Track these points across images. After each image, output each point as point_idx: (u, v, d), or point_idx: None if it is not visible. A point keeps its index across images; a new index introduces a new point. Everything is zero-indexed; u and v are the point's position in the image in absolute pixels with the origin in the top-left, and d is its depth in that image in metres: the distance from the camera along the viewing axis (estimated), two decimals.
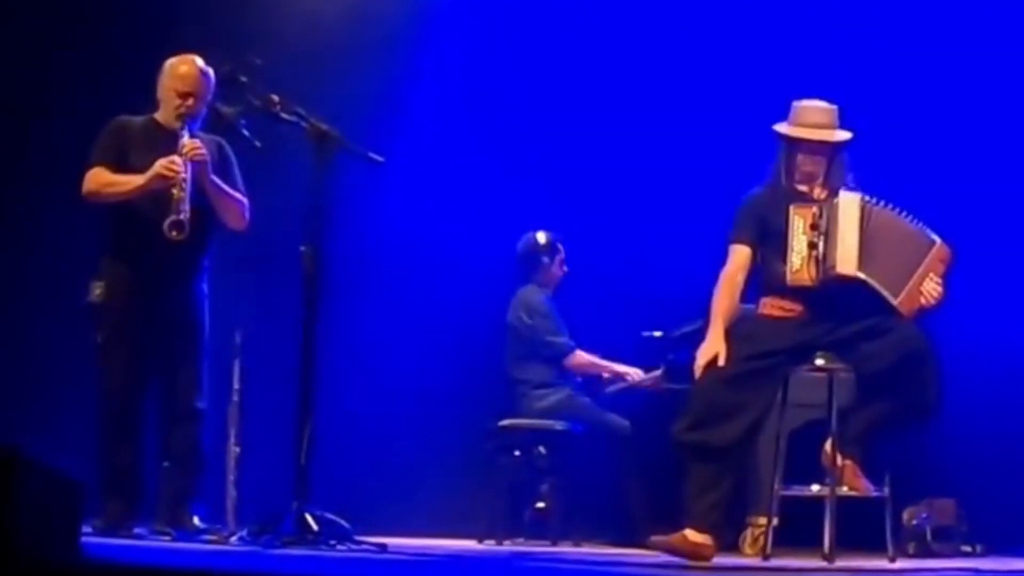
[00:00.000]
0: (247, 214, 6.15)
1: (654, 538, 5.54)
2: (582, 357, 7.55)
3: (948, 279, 5.60)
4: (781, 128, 5.69)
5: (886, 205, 5.59)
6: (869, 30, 7.98)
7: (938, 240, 5.62)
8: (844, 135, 5.69)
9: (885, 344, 5.48)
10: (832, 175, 5.66)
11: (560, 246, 7.60)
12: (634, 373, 7.52)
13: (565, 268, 7.64)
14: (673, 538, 5.45)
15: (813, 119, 5.66)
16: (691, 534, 5.43)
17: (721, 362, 5.48)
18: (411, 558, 5.29)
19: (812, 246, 5.50)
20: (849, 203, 5.53)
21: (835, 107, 5.71)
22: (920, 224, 5.64)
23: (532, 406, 7.44)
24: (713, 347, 5.53)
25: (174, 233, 5.82)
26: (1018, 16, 7.75)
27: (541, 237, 7.57)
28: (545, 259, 7.57)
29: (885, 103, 7.65)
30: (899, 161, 7.35)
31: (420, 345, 8.09)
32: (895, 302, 5.51)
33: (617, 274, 7.85)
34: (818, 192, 5.66)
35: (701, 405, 5.50)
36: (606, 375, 7.62)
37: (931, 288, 5.56)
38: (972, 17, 7.80)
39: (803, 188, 5.70)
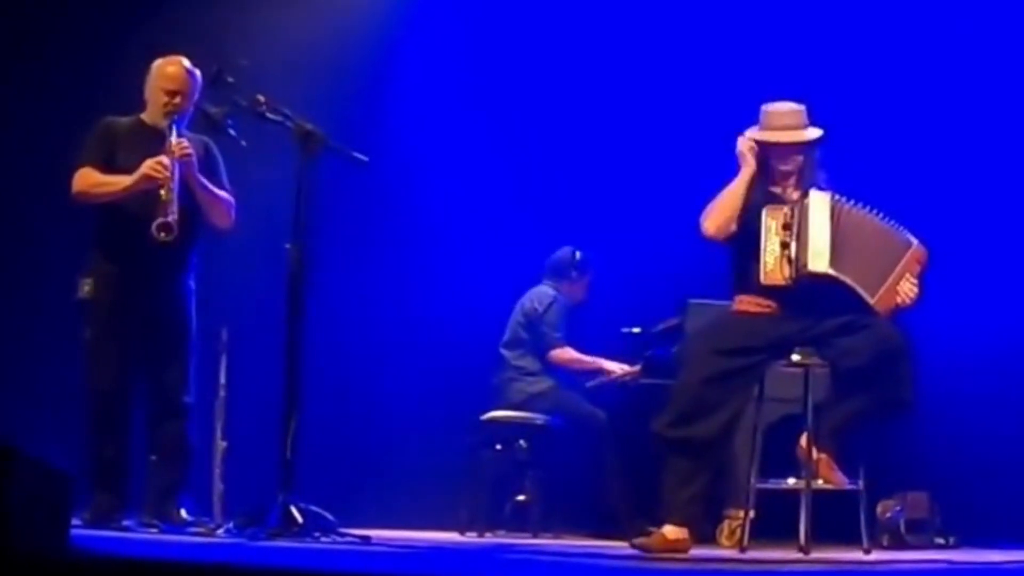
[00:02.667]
0: (233, 213, 6.19)
1: (634, 540, 5.57)
2: (569, 352, 7.65)
3: (924, 278, 5.63)
4: (752, 134, 5.71)
5: (857, 204, 5.62)
6: (847, 29, 8.01)
7: (914, 241, 5.65)
8: (814, 133, 5.71)
9: (862, 340, 5.49)
10: (805, 174, 5.69)
11: (590, 269, 7.78)
12: (618, 368, 7.62)
13: (585, 294, 7.79)
14: (651, 539, 5.50)
15: (782, 121, 5.69)
16: (669, 531, 5.47)
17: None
18: (394, 550, 5.32)
19: (784, 246, 5.52)
20: (819, 202, 5.56)
21: (802, 107, 5.72)
22: (893, 223, 5.66)
23: (522, 390, 7.56)
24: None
25: (162, 235, 5.85)
26: (989, 14, 7.81)
27: (576, 254, 7.75)
28: (573, 274, 7.75)
29: (865, 102, 7.72)
30: (874, 159, 7.42)
31: (403, 341, 8.13)
32: (872, 301, 5.54)
33: (597, 271, 7.91)
34: (791, 192, 5.69)
35: (682, 401, 5.52)
36: (589, 371, 7.71)
37: (907, 288, 5.59)
38: (944, 15, 7.83)
39: (776, 190, 5.73)
